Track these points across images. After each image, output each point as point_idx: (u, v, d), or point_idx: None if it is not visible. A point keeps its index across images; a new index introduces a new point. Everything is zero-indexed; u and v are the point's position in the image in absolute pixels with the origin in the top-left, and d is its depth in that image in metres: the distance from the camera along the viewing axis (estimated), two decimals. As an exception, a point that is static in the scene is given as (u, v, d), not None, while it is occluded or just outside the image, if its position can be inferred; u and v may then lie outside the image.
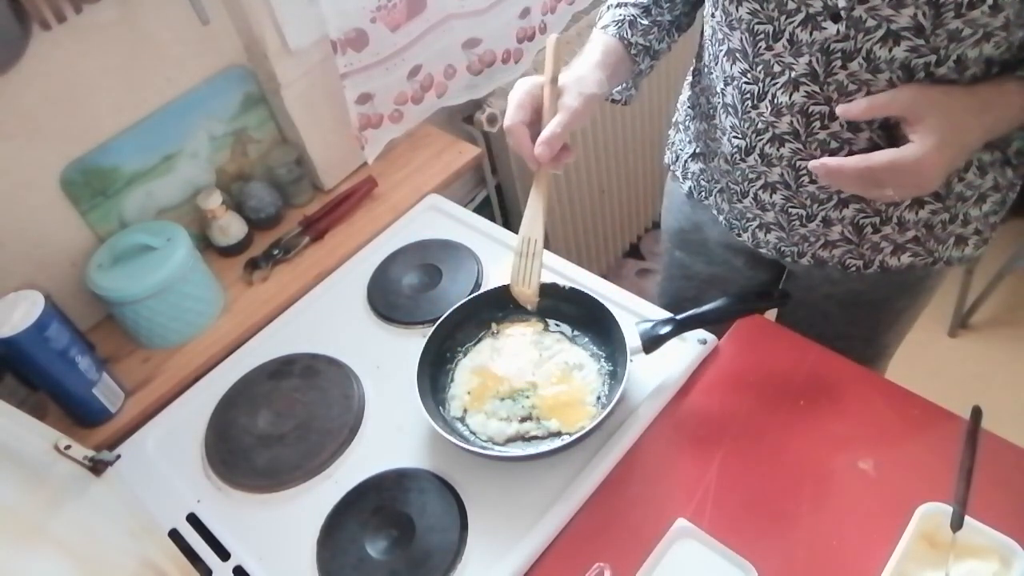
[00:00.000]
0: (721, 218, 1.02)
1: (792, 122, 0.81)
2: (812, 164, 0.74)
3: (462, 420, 0.92)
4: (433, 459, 0.90)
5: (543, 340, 0.97)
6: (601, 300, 0.94)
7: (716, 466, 0.84)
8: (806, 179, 0.85)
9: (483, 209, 1.78)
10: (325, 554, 0.84)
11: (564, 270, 1.07)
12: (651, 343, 0.89)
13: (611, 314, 0.93)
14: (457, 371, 0.97)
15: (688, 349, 0.94)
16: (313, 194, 1.36)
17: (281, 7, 1.15)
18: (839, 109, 0.75)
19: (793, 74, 0.77)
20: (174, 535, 0.89)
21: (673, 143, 1.10)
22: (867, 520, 0.77)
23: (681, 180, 1.09)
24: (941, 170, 0.69)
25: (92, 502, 0.72)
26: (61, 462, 0.73)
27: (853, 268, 0.92)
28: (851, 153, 0.79)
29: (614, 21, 0.91)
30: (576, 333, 0.98)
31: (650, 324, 0.90)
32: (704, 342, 0.94)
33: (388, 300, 1.11)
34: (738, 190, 0.94)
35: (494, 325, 1.00)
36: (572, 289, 0.97)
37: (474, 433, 0.90)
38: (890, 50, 0.71)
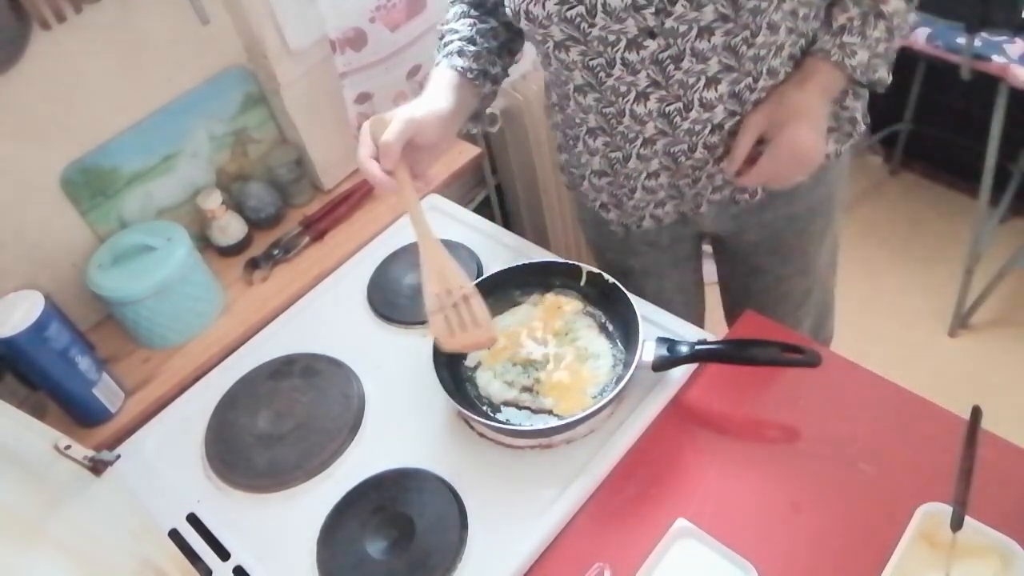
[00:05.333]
0: (620, 225, 1.07)
1: (655, 125, 0.88)
2: (729, 176, 0.90)
3: (473, 371, 0.95)
4: (433, 459, 0.90)
5: (576, 320, 0.97)
6: (634, 304, 0.94)
7: (716, 466, 0.84)
8: (683, 158, 0.91)
9: (483, 209, 1.78)
10: (325, 554, 0.84)
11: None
12: (662, 363, 0.88)
13: (637, 321, 0.91)
14: None
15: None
16: (313, 194, 1.36)
17: (281, 7, 1.16)
18: (727, 174, 0.91)
19: (638, 89, 0.85)
20: (174, 535, 0.89)
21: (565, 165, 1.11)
22: (867, 520, 0.77)
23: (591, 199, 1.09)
24: (814, 134, 0.83)
25: (92, 502, 0.72)
26: (61, 462, 0.73)
27: (742, 202, 0.99)
28: (714, 128, 0.87)
29: (444, 55, 0.94)
30: (608, 324, 0.98)
31: (667, 345, 0.89)
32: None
33: (388, 300, 1.11)
34: (626, 188, 0.99)
35: (535, 295, 1.01)
36: (614, 284, 0.96)
37: (476, 387, 0.93)
38: (709, 40, 0.79)
